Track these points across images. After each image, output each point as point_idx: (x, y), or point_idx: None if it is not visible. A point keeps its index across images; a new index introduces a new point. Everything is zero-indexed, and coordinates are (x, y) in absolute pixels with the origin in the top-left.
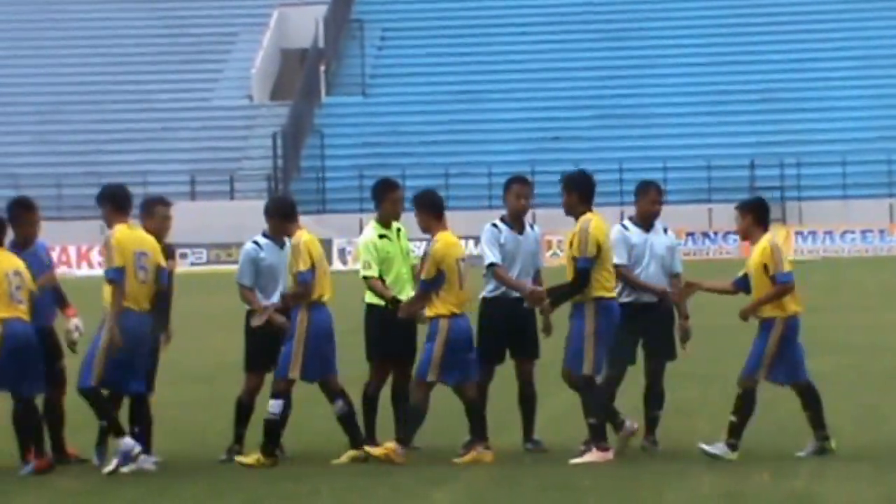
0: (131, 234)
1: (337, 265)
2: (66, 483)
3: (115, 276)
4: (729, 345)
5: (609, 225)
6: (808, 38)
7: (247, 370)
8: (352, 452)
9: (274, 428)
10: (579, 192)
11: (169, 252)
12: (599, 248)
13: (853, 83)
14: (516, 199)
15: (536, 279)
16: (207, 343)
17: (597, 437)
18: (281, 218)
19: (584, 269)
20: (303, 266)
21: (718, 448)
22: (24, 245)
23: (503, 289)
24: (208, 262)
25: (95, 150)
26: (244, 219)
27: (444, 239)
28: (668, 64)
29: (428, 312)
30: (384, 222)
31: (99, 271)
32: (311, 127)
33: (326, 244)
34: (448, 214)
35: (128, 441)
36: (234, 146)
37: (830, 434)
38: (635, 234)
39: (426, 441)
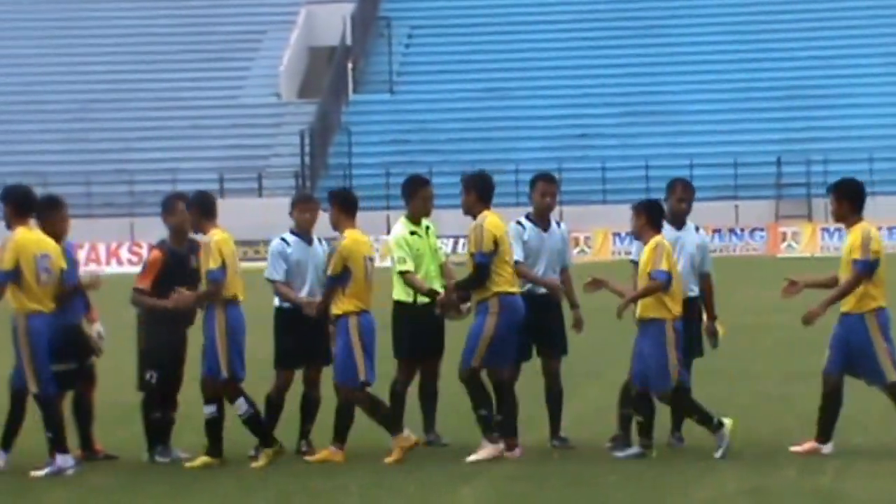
0: (31, 236)
1: None
2: (96, 479)
3: (2, 279)
4: (755, 343)
5: (506, 223)
6: (835, 34)
7: (277, 367)
8: (269, 452)
9: (257, 423)
10: (478, 192)
11: (193, 248)
12: (497, 243)
13: (880, 79)
14: (541, 197)
15: (564, 276)
16: None
17: (486, 429)
18: (200, 212)
19: (482, 263)
20: (213, 264)
21: (632, 450)
22: (56, 241)
23: (529, 285)
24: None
25: (124, 147)
26: (272, 216)
27: (352, 237)
28: (695, 61)
29: (335, 310)
30: (414, 219)
31: (128, 268)
32: (338, 124)
33: None
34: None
35: (68, 458)
36: (263, 144)
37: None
38: (667, 231)
39: (453, 437)
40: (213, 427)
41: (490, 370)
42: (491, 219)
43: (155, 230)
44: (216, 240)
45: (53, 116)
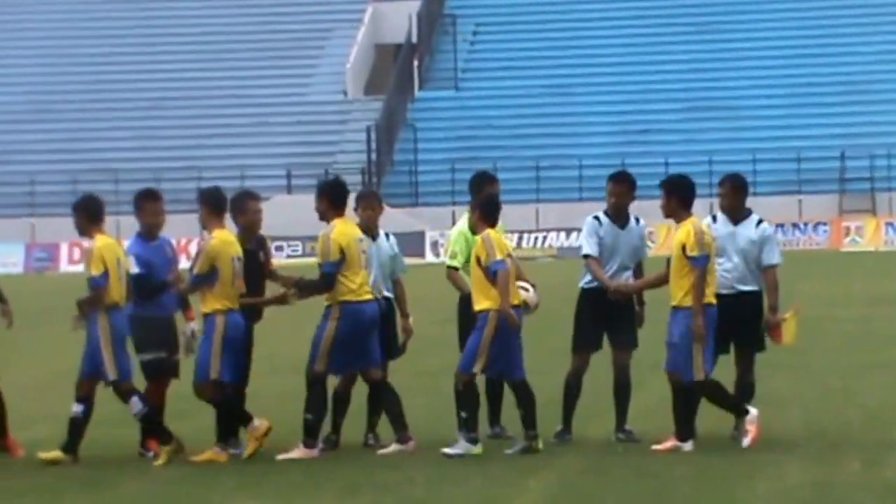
0: None
1: (429, 257)
2: (167, 471)
3: None
4: (818, 336)
5: (353, 229)
6: None
7: None
8: (168, 448)
9: (151, 421)
10: (329, 199)
11: (259, 243)
12: (343, 252)
13: None
14: (608, 197)
15: (637, 272)
16: (303, 334)
17: (308, 435)
18: (87, 217)
19: (327, 273)
20: (94, 271)
21: (460, 447)
22: (149, 237)
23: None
24: (304, 255)
25: (194, 144)
26: None
27: (220, 236)
28: (758, 56)
29: (203, 309)
30: None
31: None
32: (404, 121)
33: (419, 237)
34: (539, 207)
35: None
36: (329, 140)
37: (539, 434)
38: (721, 226)
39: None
40: (76, 425)
41: (340, 379)
42: (339, 227)
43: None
44: (98, 246)
45: (125, 114)
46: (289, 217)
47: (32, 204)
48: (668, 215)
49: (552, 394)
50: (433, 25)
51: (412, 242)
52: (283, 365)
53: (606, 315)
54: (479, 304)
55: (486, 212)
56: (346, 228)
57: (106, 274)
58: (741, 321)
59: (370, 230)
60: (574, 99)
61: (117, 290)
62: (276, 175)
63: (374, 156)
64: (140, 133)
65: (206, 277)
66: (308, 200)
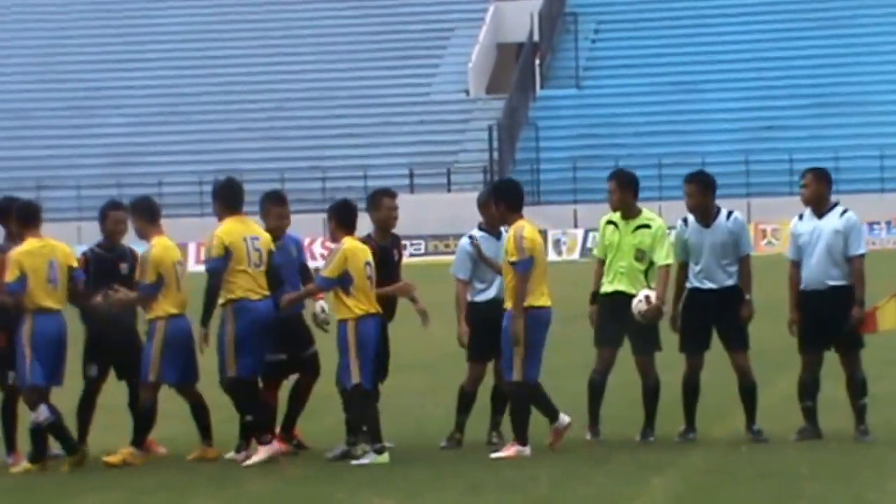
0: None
1: (552, 256)
2: (293, 470)
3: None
4: None
5: (243, 227)
6: None
7: (469, 360)
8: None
9: (57, 431)
10: (223, 201)
11: (394, 242)
12: (228, 250)
13: None
14: (686, 197)
15: (743, 266)
16: (429, 332)
17: (259, 432)
18: (18, 222)
19: (209, 270)
20: (9, 277)
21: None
22: (273, 238)
23: (695, 282)
24: (426, 254)
25: (318, 145)
26: (461, 210)
27: (161, 244)
28: (886, 51)
29: (148, 315)
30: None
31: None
32: (526, 119)
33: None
34: (661, 205)
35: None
36: (451, 139)
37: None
38: (806, 222)
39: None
40: (53, 430)
41: (255, 377)
42: (227, 227)
43: None
44: (18, 251)
45: (250, 115)
46: (412, 216)
47: (161, 205)
48: (501, 222)
49: (677, 394)
50: (554, 23)
51: None
52: (409, 363)
53: (714, 315)
54: (336, 313)
55: (343, 219)
56: (234, 226)
57: (21, 280)
58: (834, 318)
59: (494, 229)
60: (697, 95)
61: (43, 295)
62: (399, 174)
63: (496, 155)
64: (265, 134)
65: (156, 286)
66: (431, 199)
